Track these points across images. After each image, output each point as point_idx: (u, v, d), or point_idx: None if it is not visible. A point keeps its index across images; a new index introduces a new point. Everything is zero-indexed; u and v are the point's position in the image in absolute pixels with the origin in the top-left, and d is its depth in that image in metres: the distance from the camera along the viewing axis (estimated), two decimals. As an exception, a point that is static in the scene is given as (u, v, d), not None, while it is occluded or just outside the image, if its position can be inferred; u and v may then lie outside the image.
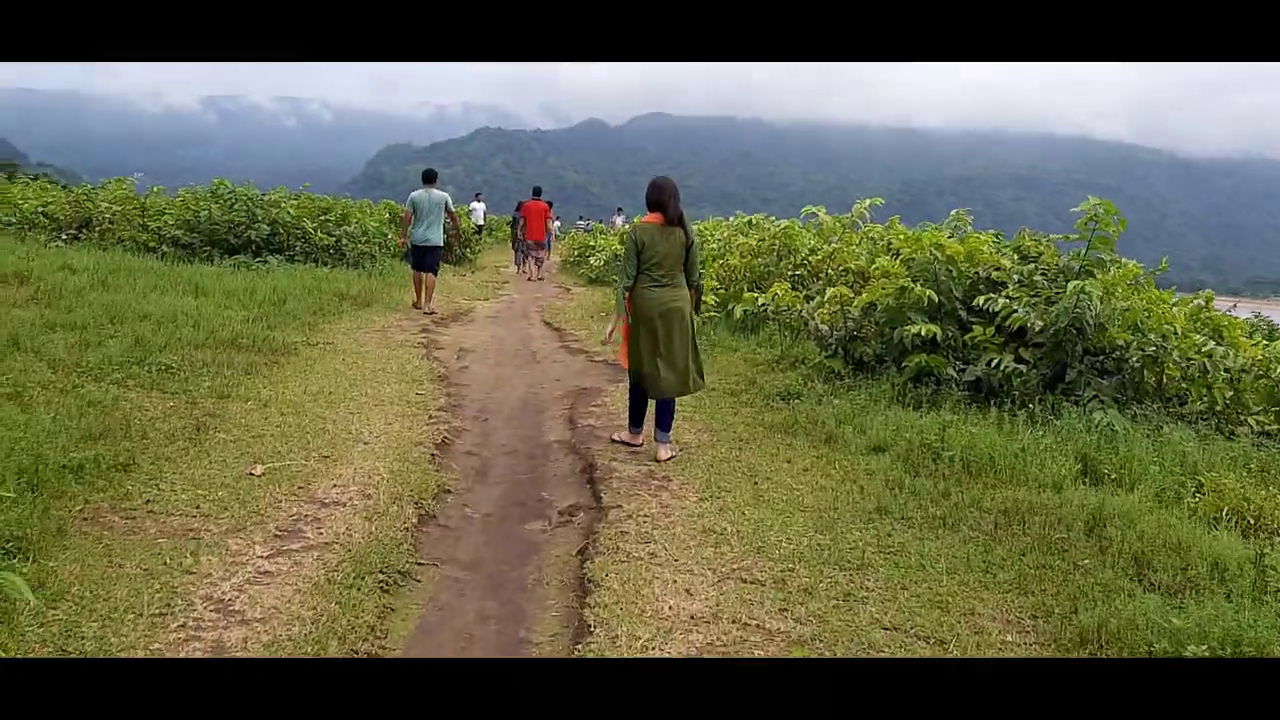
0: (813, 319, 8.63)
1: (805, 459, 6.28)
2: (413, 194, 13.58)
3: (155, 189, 17.39)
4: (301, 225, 16.01)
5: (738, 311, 11.30)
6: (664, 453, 6.34)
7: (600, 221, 41.44)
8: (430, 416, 7.10)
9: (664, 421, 6.47)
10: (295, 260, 15.56)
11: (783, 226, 11.67)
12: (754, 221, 12.85)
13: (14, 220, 17.10)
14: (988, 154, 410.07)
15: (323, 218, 16.83)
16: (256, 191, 15.98)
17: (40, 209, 17.00)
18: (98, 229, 15.94)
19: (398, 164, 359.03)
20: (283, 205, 15.68)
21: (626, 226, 35.67)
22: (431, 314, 13.01)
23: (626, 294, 6.58)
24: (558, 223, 45.89)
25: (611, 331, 6.84)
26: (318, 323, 10.98)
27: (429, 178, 13.75)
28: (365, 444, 6.24)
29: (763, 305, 11.07)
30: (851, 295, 8.35)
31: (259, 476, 5.42)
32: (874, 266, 8.65)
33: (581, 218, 52.79)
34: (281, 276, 13.68)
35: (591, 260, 21.04)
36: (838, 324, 8.41)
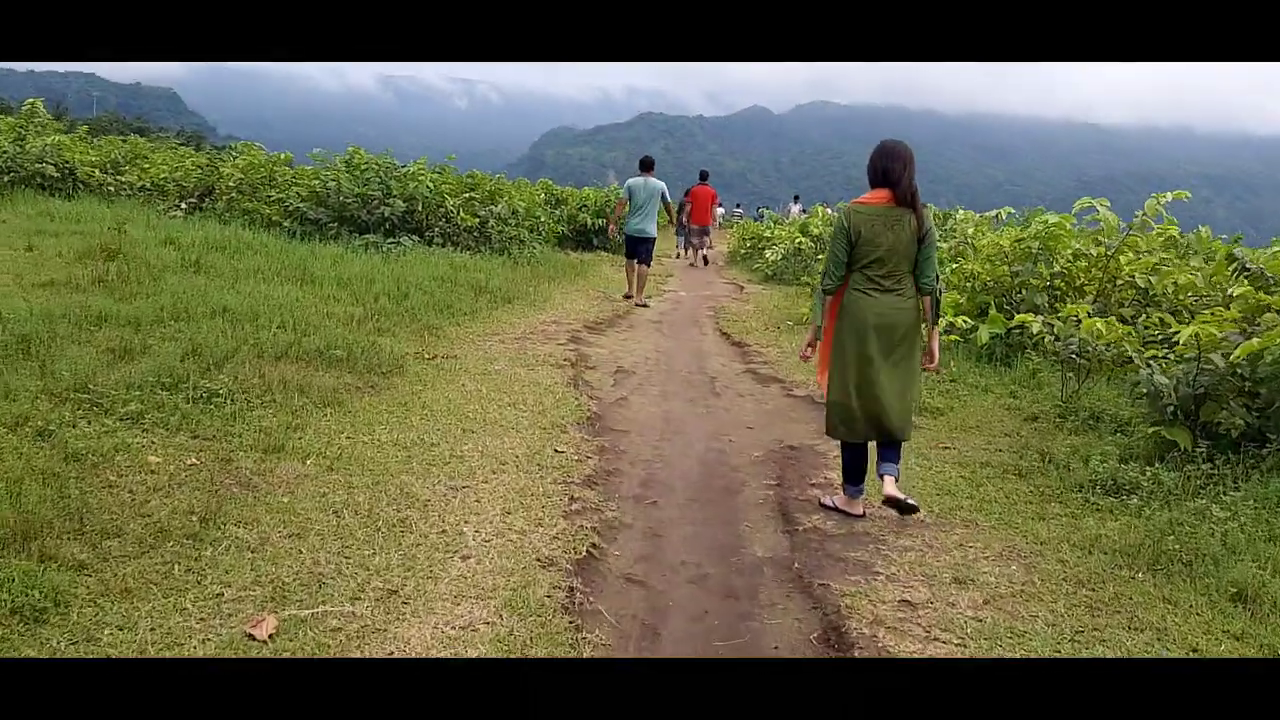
0: (1147, 367, 5.74)
1: (1221, 639, 3.52)
2: (629, 181, 12.88)
3: (279, 155, 15.62)
4: (443, 203, 13.92)
5: (983, 335, 8.47)
6: (890, 487, 4.67)
7: (770, 210, 38.52)
8: (571, 500, 4.62)
9: (892, 456, 4.82)
10: (434, 243, 13.48)
11: (1049, 224, 8.76)
12: (1002, 216, 9.98)
13: (145, 185, 15.70)
14: (1173, 151, 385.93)
15: (468, 195, 14.71)
16: (393, 162, 13.95)
17: (170, 175, 15.52)
18: (222, 198, 14.28)
19: (559, 147, 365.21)
20: (421, 179, 13.60)
21: (804, 217, 32.84)
22: (644, 306, 12.61)
23: (829, 299, 4.92)
24: (722, 209, 43.28)
25: (809, 345, 5.08)
26: (442, 325, 8.72)
27: (647, 165, 12.95)
28: (462, 560, 3.82)
29: (1019, 329, 8.25)
30: (1219, 336, 5.45)
31: (264, 641, 3.08)
32: (1233, 293, 5.74)
33: (739, 205, 49.43)
34: (412, 262, 11.58)
35: (767, 254, 18.33)
36: (1186, 376, 5.52)
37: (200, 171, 14.55)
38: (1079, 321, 6.66)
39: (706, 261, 20.96)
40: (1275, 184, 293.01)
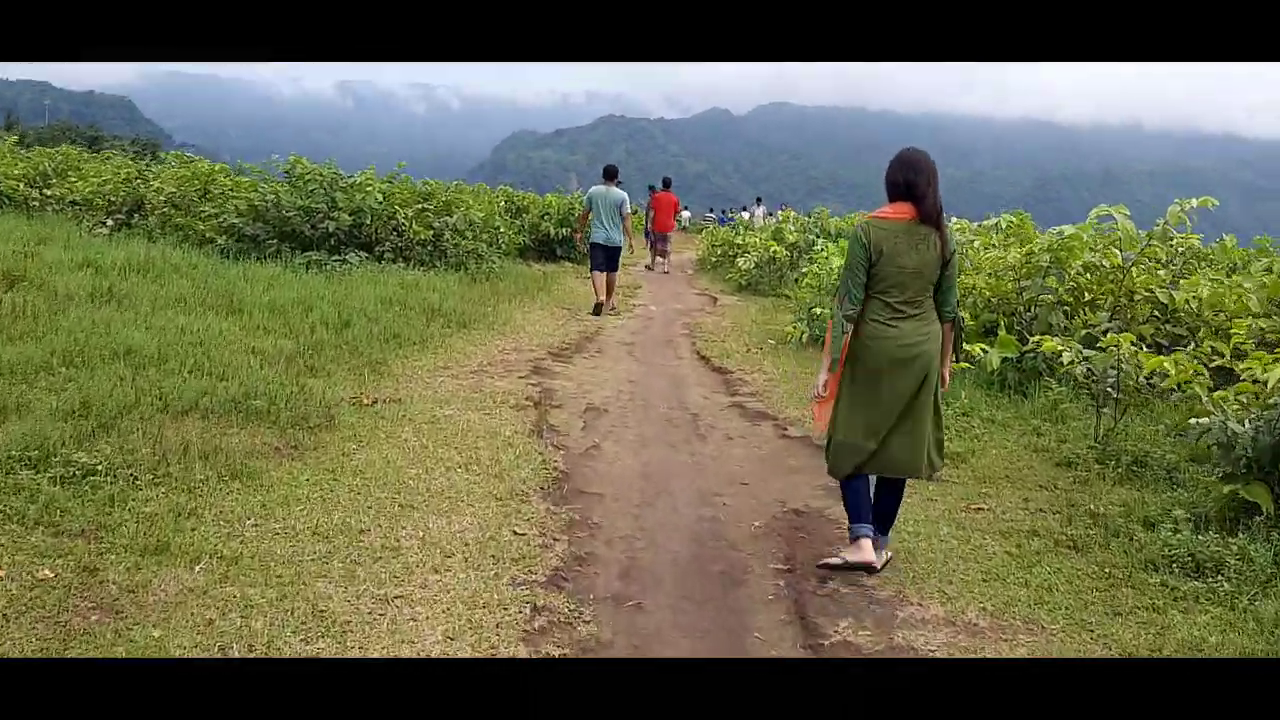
0: (1219, 412, 4.85)
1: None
2: (591, 189, 12.80)
3: (215, 166, 14.43)
4: (393, 215, 12.86)
5: (994, 360, 7.59)
6: (869, 554, 4.18)
7: (740, 212, 37.67)
8: (534, 610, 3.62)
9: (887, 519, 4.39)
10: (384, 259, 12.43)
11: (1065, 235, 7.88)
12: (1005, 225, 9.07)
13: (75, 200, 14.47)
14: (1125, 150, 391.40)
15: (421, 206, 13.66)
16: (338, 172, 12.86)
17: (98, 188, 14.32)
18: (153, 213, 13.12)
19: (521, 150, 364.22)
20: (370, 190, 12.53)
21: (770, 220, 32.03)
22: (614, 311, 12.53)
23: (850, 329, 4.28)
24: (687, 213, 42.41)
25: (824, 385, 4.38)
26: (387, 360, 7.69)
27: (610, 174, 12.95)
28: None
29: (1035, 352, 7.39)
30: (1311, 377, 4.57)
31: None
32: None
33: (712, 210, 48.44)
34: (358, 282, 10.54)
35: (740, 262, 17.40)
36: (1269, 424, 4.64)
37: (129, 184, 13.35)
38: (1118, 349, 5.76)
39: (667, 271, 20.59)
40: (1229, 181, 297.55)
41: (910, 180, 4.14)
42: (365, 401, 6.34)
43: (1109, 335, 6.30)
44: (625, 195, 12.75)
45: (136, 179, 13.71)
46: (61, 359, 6.01)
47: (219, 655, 3.07)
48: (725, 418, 7.18)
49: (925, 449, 4.26)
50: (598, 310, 12.26)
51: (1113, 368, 5.96)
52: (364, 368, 7.29)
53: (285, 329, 8.02)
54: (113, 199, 13.34)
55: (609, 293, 12.62)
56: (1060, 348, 6.29)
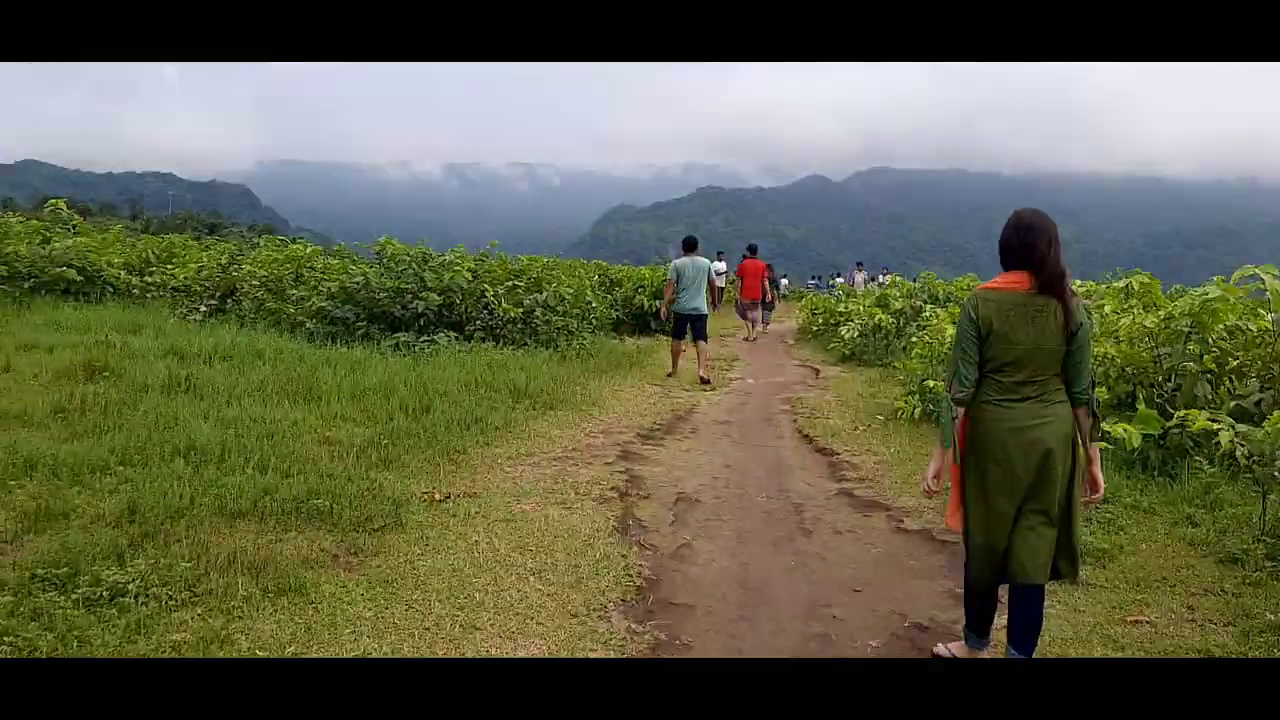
0: None
1: None
2: (675, 261, 12.85)
3: (308, 248, 14.43)
4: (483, 294, 12.58)
5: (1134, 437, 6.72)
6: None
7: (836, 279, 36.92)
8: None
9: (1026, 634, 3.72)
10: (473, 339, 12.12)
11: (1209, 298, 7.02)
12: (1134, 288, 8.19)
13: (175, 286, 14.65)
14: (1240, 203, 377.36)
15: (512, 283, 13.37)
16: (427, 250, 12.67)
17: (195, 274, 14.47)
18: (246, 298, 13.12)
19: (620, 224, 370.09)
20: (459, 268, 12.28)
21: (873, 286, 31.17)
22: (709, 386, 12.16)
23: (960, 412, 3.80)
24: (785, 279, 41.77)
25: (935, 476, 3.89)
26: (466, 447, 7.23)
27: (690, 245, 12.96)
28: None
29: (1180, 427, 6.55)
30: None
31: None
32: None
33: (815, 277, 47.61)
34: (444, 363, 10.19)
35: (842, 331, 16.65)
36: None
37: (225, 270, 13.40)
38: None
39: (761, 332, 21.12)
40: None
41: (1026, 244, 3.64)
42: (437, 497, 5.86)
43: (1272, 412, 5.45)
44: (709, 263, 13.07)
45: (231, 265, 13.75)
46: (120, 456, 5.70)
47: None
48: (832, 508, 6.48)
49: (1047, 552, 3.71)
50: (704, 381, 12.28)
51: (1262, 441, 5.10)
52: (440, 457, 6.84)
53: (363, 416, 7.65)
54: (208, 284, 13.38)
55: (703, 362, 12.65)
56: (1214, 425, 5.45)
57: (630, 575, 4.85)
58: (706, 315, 12.80)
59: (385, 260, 12.54)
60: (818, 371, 14.71)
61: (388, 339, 11.48)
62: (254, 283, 12.86)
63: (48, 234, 16.43)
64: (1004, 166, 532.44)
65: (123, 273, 15.50)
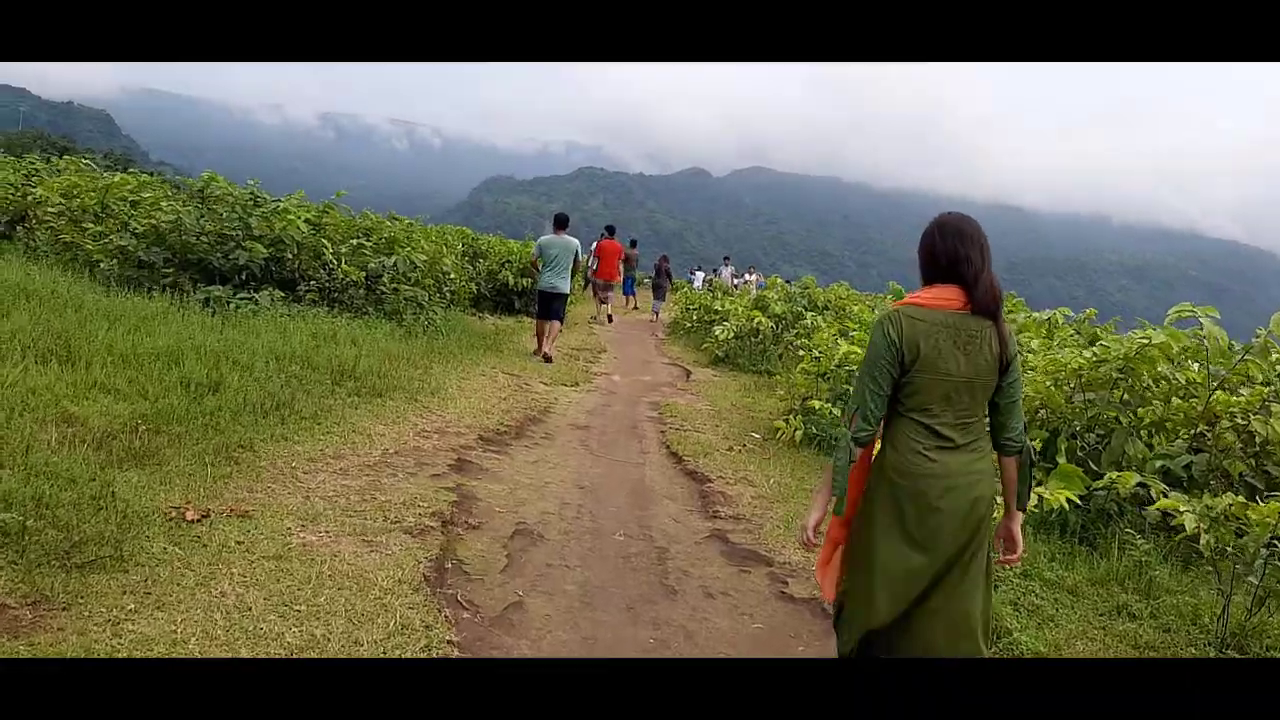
0: None
1: None
2: (541, 238, 12.77)
3: (117, 177, 12.40)
4: (320, 250, 10.94)
5: (1057, 497, 5.77)
6: None
7: (714, 273, 36.12)
8: None
9: None
10: (303, 301, 10.51)
11: (1147, 342, 6.13)
12: (1057, 322, 7.29)
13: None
14: (1093, 240, 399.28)
15: (358, 241, 11.76)
16: (257, 194, 10.92)
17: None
18: (41, 226, 11.13)
19: (499, 195, 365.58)
20: (293, 218, 10.60)
21: (741, 283, 30.43)
22: (549, 361, 12.07)
23: (859, 452, 3.05)
24: (702, 272, 40.28)
25: (816, 525, 3.15)
26: (257, 441, 5.74)
27: (561, 223, 12.84)
28: None
29: (1110, 491, 5.68)
30: None
31: None
32: None
33: (699, 268, 45.74)
34: (259, 328, 8.59)
35: (718, 331, 15.57)
36: None
37: (14, 189, 11.33)
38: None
39: (610, 319, 20.64)
40: (1188, 279, 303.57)
41: (957, 253, 3.00)
42: (189, 516, 4.39)
43: (1208, 480, 4.54)
44: (577, 242, 12.75)
45: (25, 186, 11.68)
46: None
47: None
48: (703, 557, 5.29)
49: (970, 632, 3.06)
50: (546, 359, 12.15)
51: (1265, 547, 4.15)
52: (216, 454, 5.34)
53: (130, 389, 6.06)
54: (-3, 207, 11.31)
55: (551, 339, 12.54)
56: (1181, 507, 4.49)
57: (432, 652, 3.53)
58: (566, 295, 12.69)
59: (208, 199, 10.76)
60: (689, 373, 13.60)
61: (199, 291, 9.77)
62: (50, 209, 10.87)
63: None
64: (874, 179, 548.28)
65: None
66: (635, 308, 26.19)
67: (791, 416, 8.70)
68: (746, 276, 32.17)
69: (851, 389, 3.72)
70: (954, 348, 2.96)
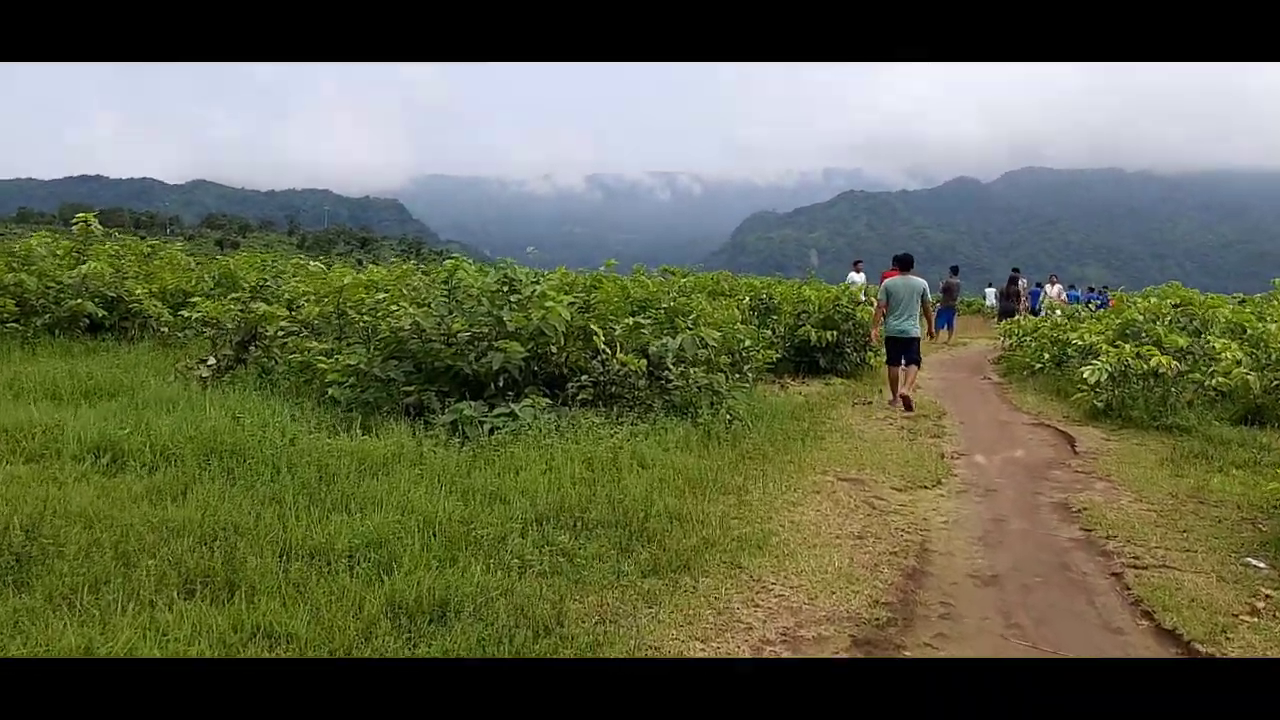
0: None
1: None
2: (887, 280, 12.40)
3: (354, 276, 10.68)
4: (589, 335, 8.67)
5: None
6: None
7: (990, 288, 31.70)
8: None
9: None
10: (573, 404, 8.25)
11: None
12: None
13: (194, 325, 11.13)
14: None
15: (633, 320, 9.43)
16: (514, 273, 8.72)
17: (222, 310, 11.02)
18: (271, 345, 9.56)
19: (761, 231, 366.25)
20: (553, 303, 8.33)
21: (1063, 298, 26.37)
22: (909, 407, 11.55)
23: None
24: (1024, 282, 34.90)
25: None
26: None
27: (905, 263, 12.30)
28: None
29: None
30: None
31: None
32: None
33: (1042, 282, 35.05)
34: (519, 460, 6.34)
35: (1086, 373, 11.90)
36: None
37: (241, 309, 9.86)
38: None
39: (907, 404, 14.85)
40: None
41: None
42: None
43: None
44: (924, 282, 12.25)
45: (254, 300, 10.24)
46: None
47: None
48: None
49: None
50: (907, 405, 11.65)
51: None
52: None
53: (309, 632, 3.84)
54: (227, 326, 9.86)
55: (909, 383, 11.99)
56: None
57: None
58: (917, 339, 12.12)
59: (453, 293, 8.78)
60: (1070, 439, 10.23)
61: (449, 410, 7.73)
62: (278, 327, 9.28)
63: (81, 255, 13.53)
64: (1160, 164, 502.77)
65: (155, 303, 12.38)
66: (947, 343, 22.74)
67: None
68: (1048, 288, 27.52)
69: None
70: None
